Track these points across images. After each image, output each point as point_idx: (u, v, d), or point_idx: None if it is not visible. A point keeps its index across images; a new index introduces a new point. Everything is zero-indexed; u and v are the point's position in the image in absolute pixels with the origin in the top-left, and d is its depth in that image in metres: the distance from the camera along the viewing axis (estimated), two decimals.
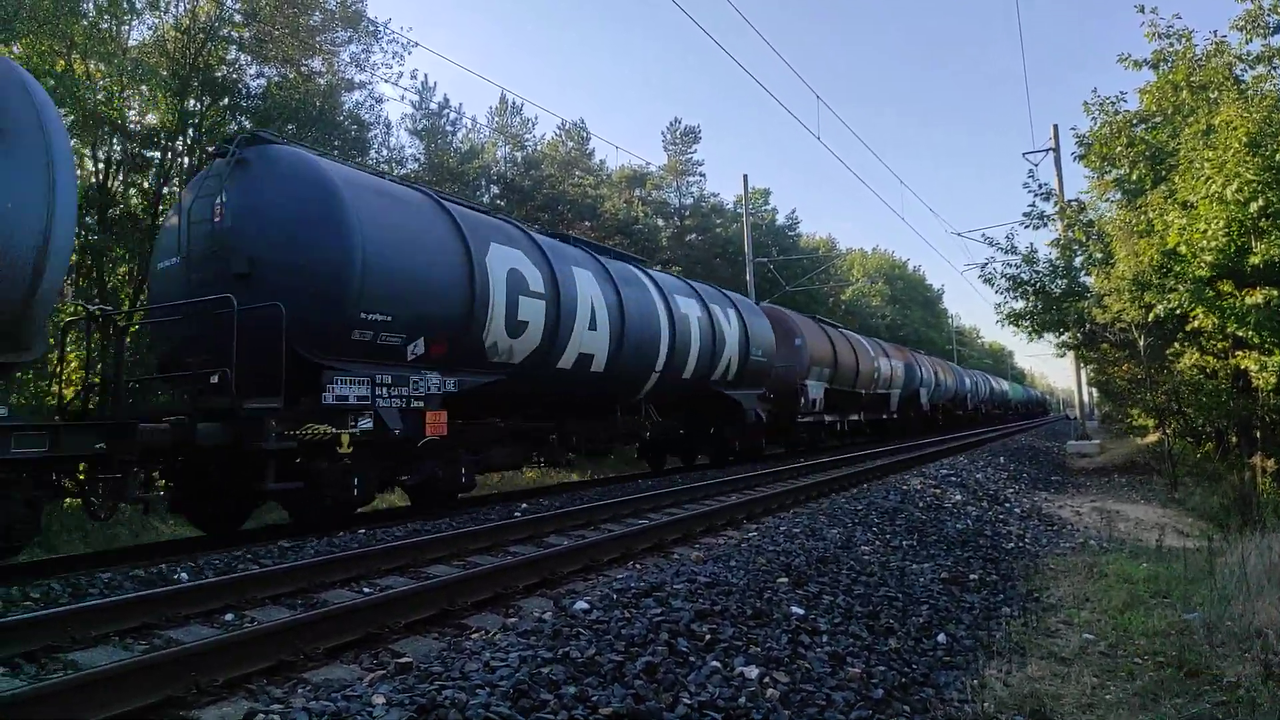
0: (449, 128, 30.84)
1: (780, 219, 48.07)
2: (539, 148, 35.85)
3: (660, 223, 38.88)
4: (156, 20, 21.77)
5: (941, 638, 5.47)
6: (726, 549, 6.83)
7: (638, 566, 6.65)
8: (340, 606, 4.80)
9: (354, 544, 7.51)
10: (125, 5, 20.98)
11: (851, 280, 57.99)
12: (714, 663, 4.10)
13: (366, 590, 5.96)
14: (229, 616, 5.21)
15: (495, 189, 31.88)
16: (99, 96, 19.28)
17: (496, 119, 35.27)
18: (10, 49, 18.23)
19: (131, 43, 21.44)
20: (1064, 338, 21.15)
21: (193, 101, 20.96)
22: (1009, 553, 8.74)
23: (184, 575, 6.23)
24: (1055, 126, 25.28)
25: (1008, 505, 12.10)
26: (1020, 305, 19.99)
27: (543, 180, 32.22)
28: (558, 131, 38.28)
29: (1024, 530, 10.21)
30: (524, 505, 10.21)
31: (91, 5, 20.35)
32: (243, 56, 22.93)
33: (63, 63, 18.67)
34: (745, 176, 31.42)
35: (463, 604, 5.26)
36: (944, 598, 6.41)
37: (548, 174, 32.82)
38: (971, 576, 7.28)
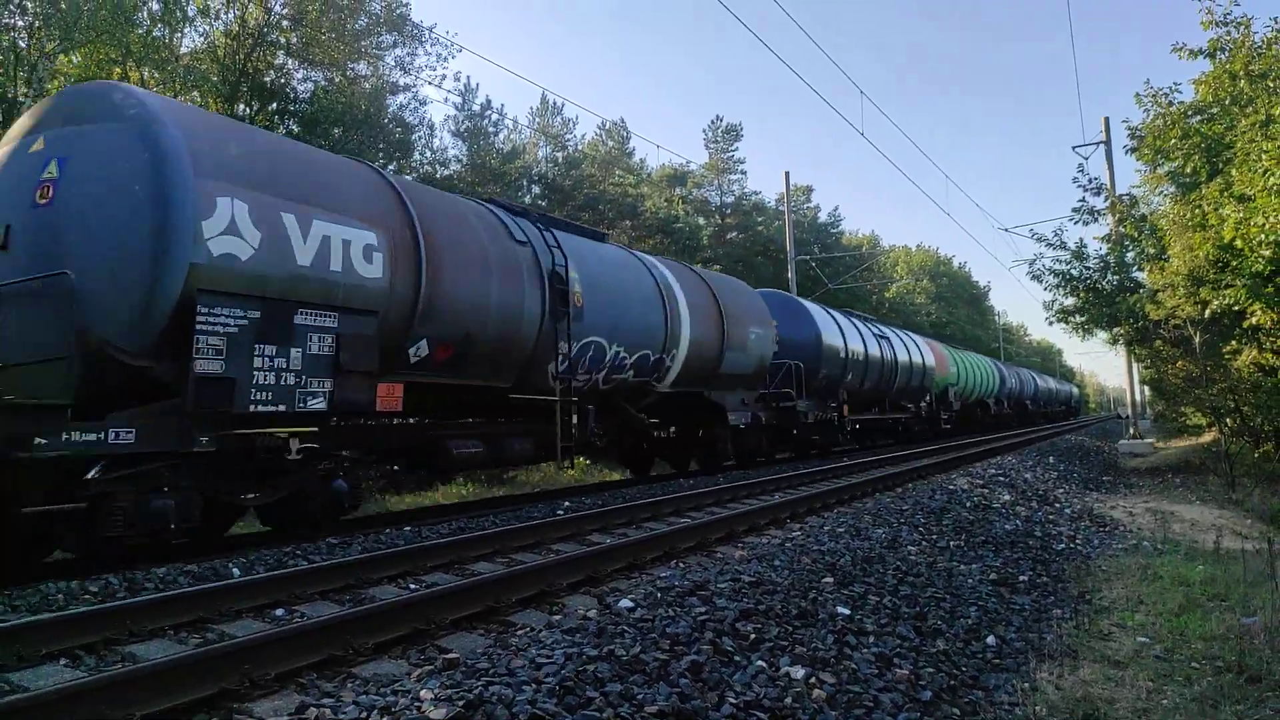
0: (491, 129, 31.11)
1: (823, 216, 47.73)
2: (579, 147, 36.00)
3: (701, 221, 38.79)
4: (207, 27, 22.30)
5: (991, 640, 5.38)
6: (770, 548, 6.79)
7: (681, 565, 6.64)
8: (387, 603, 4.86)
9: (400, 541, 7.61)
10: (178, 14, 21.51)
11: (895, 278, 57.31)
12: (759, 662, 4.08)
13: (413, 587, 6.03)
14: (279, 612, 5.30)
15: (536, 189, 32.08)
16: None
17: (538, 119, 35.49)
18: (70, 58, 18.80)
19: (183, 50, 21.98)
20: (1115, 334, 20.69)
21: (242, 106, 21.42)
22: (1060, 554, 8.57)
23: (236, 571, 6.36)
24: (1106, 119, 24.75)
25: (1058, 505, 11.86)
26: (1071, 302, 19.59)
27: (583, 180, 32.34)
28: (598, 131, 38.44)
29: (1075, 531, 10.00)
30: (566, 503, 10.26)
31: (146, 15, 20.90)
32: (290, 61, 23.37)
33: (119, 70, 19.18)
34: (787, 174, 31.21)
35: (507, 601, 5.30)
36: (993, 599, 6.31)
37: (588, 173, 32.94)
38: (1021, 578, 7.14)
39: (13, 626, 4.39)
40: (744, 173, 50.42)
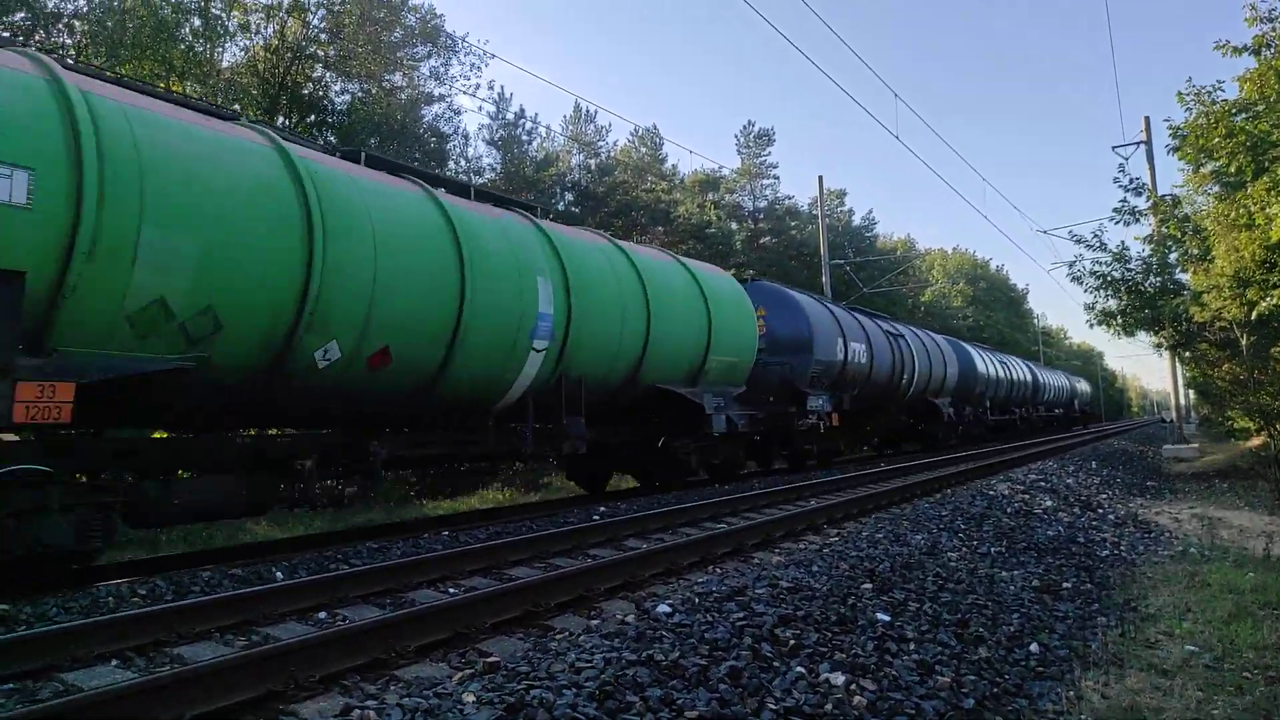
0: (525, 137, 31.34)
1: (857, 220, 47.39)
2: (612, 154, 36.12)
3: (734, 226, 38.70)
4: (248, 42, 22.73)
5: (1034, 647, 5.29)
6: (808, 554, 6.76)
7: (718, 570, 6.63)
8: (429, 606, 4.91)
9: (439, 545, 7.68)
10: (219, 29, 21.97)
11: (931, 281, 56.72)
12: (799, 668, 4.06)
13: (452, 591, 6.09)
14: (322, 615, 5.38)
15: (569, 196, 32.24)
16: None
17: (571, 127, 35.68)
18: (116, 72, 19.24)
19: (224, 64, 22.43)
20: (1159, 337, 20.28)
21: (281, 119, 21.77)
22: (1104, 560, 8.41)
23: (279, 574, 6.47)
24: (1147, 119, 24.32)
25: (1101, 511, 11.65)
26: (1113, 304, 19.24)
27: (616, 186, 32.44)
28: (630, 138, 38.54)
29: (1119, 537, 9.81)
30: (601, 508, 10.28)
31: (188, 30, 21.38)
32: (328, 74, 23.74)
33: (162, 85, 19.60)
34: (820, 178, 31.05)
35: (546, 605, 5.33)
36: (1036, 606, 6.21)
37: (621, 180, 33.03)
38: (1064, 585, 7.03)
39: (67, 628, 4.51)
40: (777, 177, 50.39)
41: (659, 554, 6.75)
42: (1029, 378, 39.40)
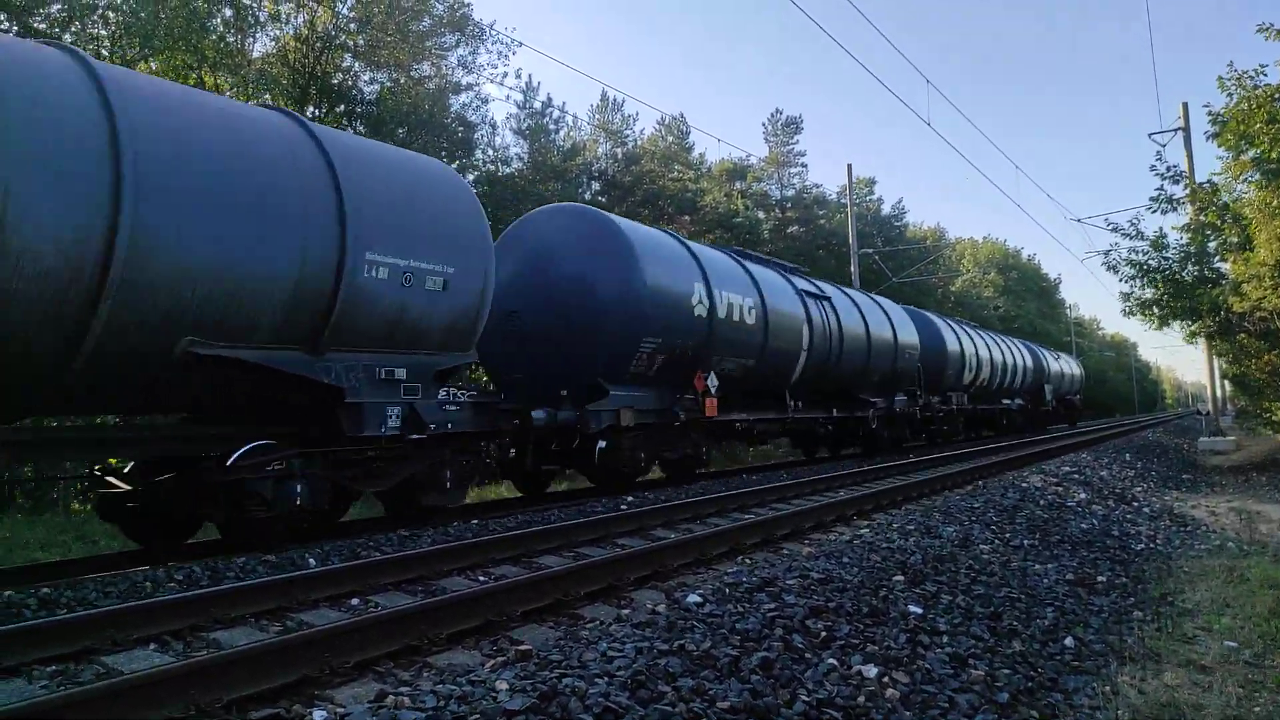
0: (551, 126, 31.32)
1: (886, 209, 46.96)
2: (639, 143, 36.01)
3: (761, 215, 38.47)
4: (278, 32, 22.88)
5: (1069, 641, 5.23)
6: (838, 545, 6.71)
7: (747, 561, 6.61)
8: (461, 594, 4.94)
9: (468, 534, 7.73)
10: (250, 20, 22.12)
11: (962, 271, 56.10)
12: (831, 660, 4.04)
13: (482, 579, 6.12)
14: (355, 601, 5.43)
15: (596, 185, 32.21)
16: None
17: (597, 116, 35.62)
18: (149, 64, 19.49)
19: (255, 54, 22.60)
20: (1195, 326, 19.91)
21: (311, 109, 21.90)
22: (1139, 554, 8.29)
23: (312, 561, 6.54)
24: (1185, 105, 23.82)
25: (1136, 504, 11.48)
26: (1149, 294, 18.90)
27: (643, 176, 32.34)
28: (657, 126, 38.42)
29: (1154, 531, 9.67)
30: (629, 498, 10.29)
31: (219, 21, 21.56)
32: (357, 64, 23.84)
33: (194, 76, 19.78)
34: (849, 166, 30.80)
35: (576, 594, 5.34)
36: (1070, 600, 6.13)
37: (648, 169, 32.92)
38: (1099, 578, 6.93)
39: (106, 612, 4.58)
40: (805, 166, 49.84)
41: (688, 544, 6.74)
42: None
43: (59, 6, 18.69)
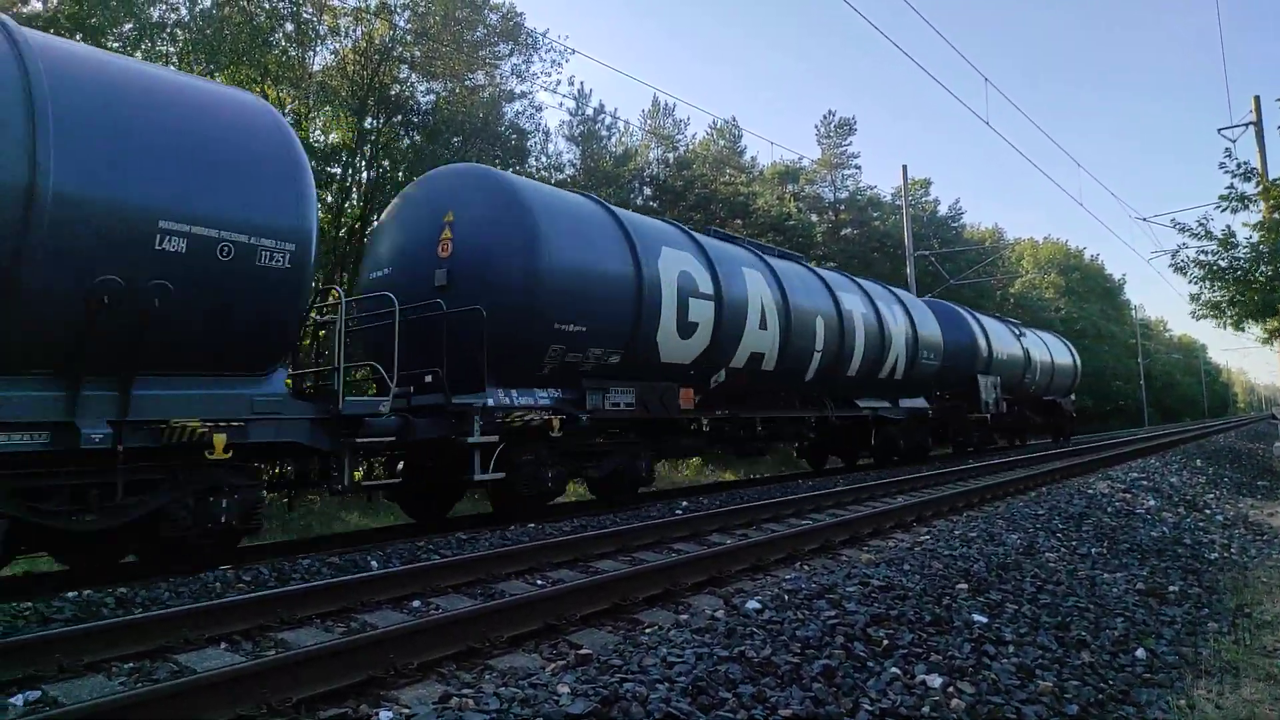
0: (604, 132, 31.48)
1: (942, 210, 46.22)
2: (691, 147, 35.99)
3: (814, 218, 38.15)
4: (338, 45, 23.42)
5: (1140, 653, 5.07)
6: (898, 552, 6.61)
7: (805, 567, 6.55)
8: (521, 598, 4.98)
9: (525, 537, 7.79)
10: (311, 34, 22.69)
11: (1021, 272, 54.88)
12: (893, 669, 3.98)
13: (539, 582, 6.17)
14: (416, 603, 5.52)
15: (648, 190, 32.27)
16: (289, 119, 20.90)
17: (649, 121, 35.71)
18: (214, 79, 20.10)
19: (315, 68, 23.16)
20: (1270, 328, 19.16)
21: (369, 119, 22.36)
22: (1212, 564, 8.01)
23: (374, 563, 6.66)
24: (1257, 98, 22.94)
25: (1208, 512, 11.09)
26: (1219, 295, 18.25)
27: (694, 180, 32.30)
28: (709, 130, 38.32)
29: (1229, 539, 9.33)
30: (684, 503, 10.28)
31: (281, 36, 22.17)
32: (413, 75, 24.27)
33: (257, 90, 20.35)
34: (904, 167, 30.36)
35: (634, 599, 5.35)
36: (1141, 610, 5.95)
37: (699, 173, 32.88)
38: (1171, 588, 6.71)
39: (179, 612, 4.73)
40: (858, 167, 49.38)
41: (745, 549, 6.71)
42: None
43: (130, 26, 19.41)
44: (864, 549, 7.34)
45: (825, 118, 42.69)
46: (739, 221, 32.21)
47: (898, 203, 36.15)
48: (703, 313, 11.46)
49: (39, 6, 19.43)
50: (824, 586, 5.13)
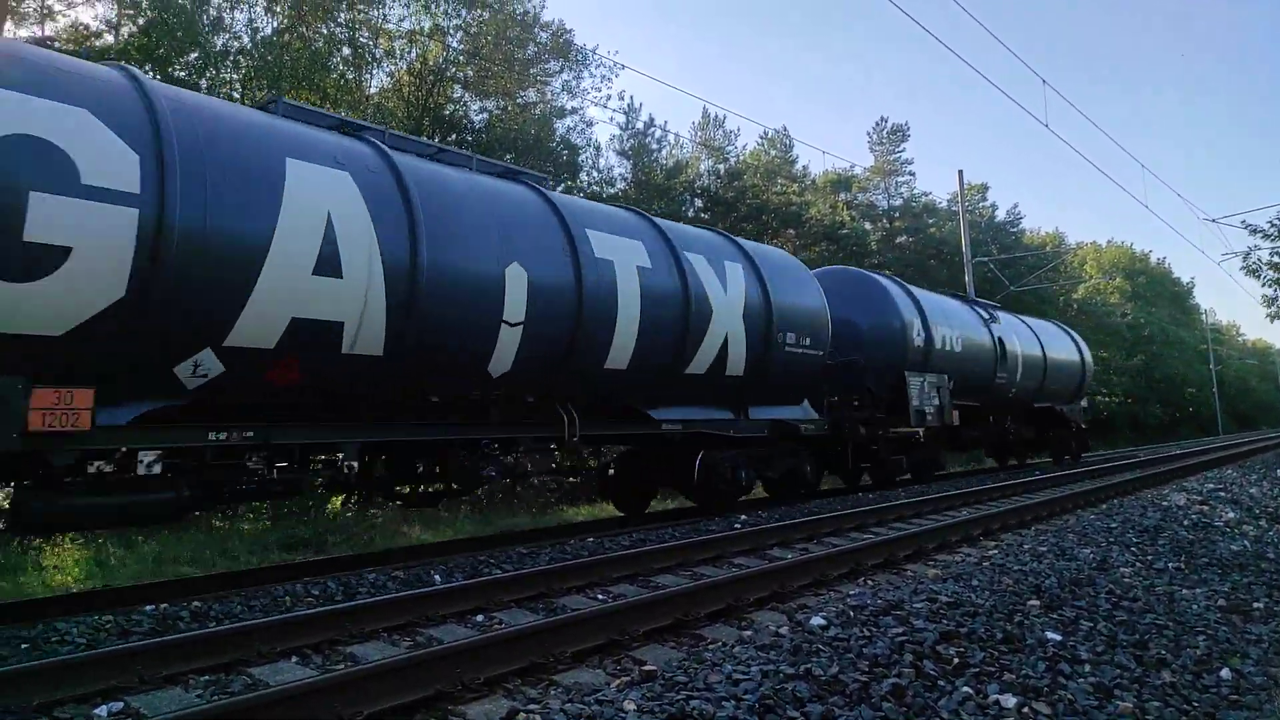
0: (654, 145, 31.60)
1: (1000, 215, 45.29)
2: (741, 158, 35.93)
3: (868, 226, 37.74)
4: (393, 67, 23.96)
5: (1225, 673, 4.87)
6: (966, 567, 6.47)
7: (870, 583, 6.45)
8: (584, 613, 4.99)
9: (584, 552, 7.81)
10: (367, 56, 23.26)
11: (1084, 277, 53.49)
12: (965, 688, 3.88)
13: (600, 597, 6.17)
14: (480, 618, 5.56)
15: (699, 202, 32.27)
16: None
17: (699, 133, 35.74)
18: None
19: (372, 90, 23.71)
20: None
21: (424, 138, 22.79)
22: None
23: (437, 578, 6.73)
24: None
25: None
26: None
27: (746, 191, 32.23)
28: (760, 141, 38.22)
29: None
30: (743, 517, 10.19)
31: (338, 59, 22.77)
32: (466, 94, 24.71)
33: None
34: (960, 172, 29.93)
35: (696, 614, 5.31)
36: (1223, 627, 5.72)
37: (751, 184, 32.79)
38: (1255, 604, 6.44)
39: (251, 625, 4.83)
40: (912, 174, 48.79)
41: (807, 564, 6.62)
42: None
43: (196, 55, 20.11)
44: (929, 564, 7.19)
45: (878, 124, 42.32)
46: (791, 231, 32.02)
47: (954, 209, 35.56)
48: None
49: (110, 39, 20.29)
50: (890, 603, 5.04)
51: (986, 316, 19.00)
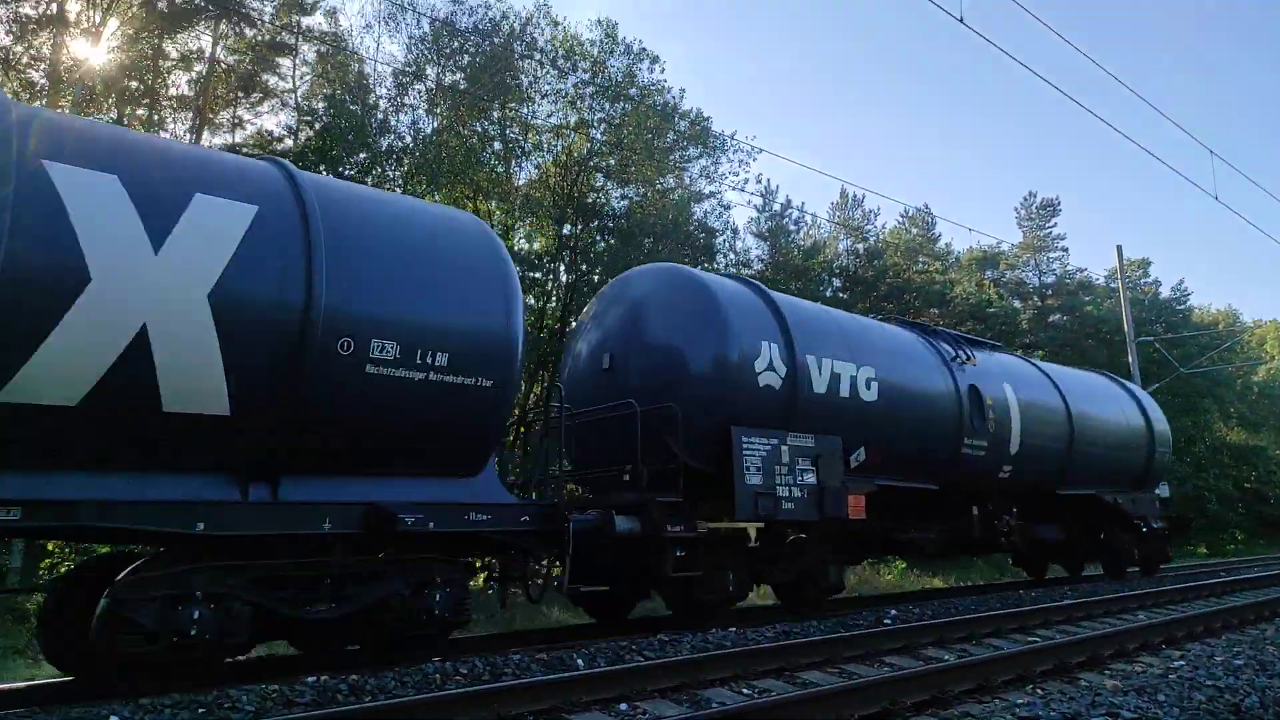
0: (791, 226, 31.72)
1: (1164, 291, 42.56)
2: (881, 237, 35.52)
3: (1018, 304, 36.27)
4: (540, 160, 25.26)
5: None
6: (1149, 679, 5.89)
7: (1039, 691, 5.95)
8: (733, 709, 4.83)
9: (726, 642, 7.60)
10: (516, 150, 24.68)
11: (1263, 357, 49.25)
12: None
13: (745, 691, 5.96)
14: (623, 706, 5.46)
15: (836, 282, 31.98)
16: (496, 230, 22.65)
17: (837, 213, 35.68)
18: (433, 196, 22.19)
19: (520, 181, 25.04)
20: None
21: (568, 226, 23.75)
22: None
23: (580, 661, 6.70)
24: None
25: None
26: None
27: (886, 270, 31.73)
28: (900, 219, 37.74)
29: None
30: (893, 611, 9.71)
31: (490, 154, 24.24)
32: (608, 182, 25.68)
33: (470, 206, 22.20)
34: (1119, 248, 28.38)
35: (848, 716, 5.04)
36: None
37: (891, 263, 32.29)
38: None
39: (408, 703, 4.93)
40: (1065, 249, 46.75)
41: (968, 667, 6.19)
42: None
43: (364, 155, 21.88)
44: (1106, 673, 6.58)
45: (1025, 200, 41.06)
46: (935, 311, 31.16)
47: (1112, 285, 33.76)
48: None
49: (289, 143, 22.39)
50: (1066, 715, 4.63)
51: (949, 352, 12.28)
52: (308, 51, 23.64)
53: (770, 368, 9.60)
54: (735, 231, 35.75)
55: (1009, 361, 14.17)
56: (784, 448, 9.50)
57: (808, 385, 9.91)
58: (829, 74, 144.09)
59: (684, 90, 29.38)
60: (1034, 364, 14.83)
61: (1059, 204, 40.43)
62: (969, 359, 12.37)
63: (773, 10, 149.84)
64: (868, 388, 10.56)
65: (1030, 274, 39.05)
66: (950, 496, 12.03)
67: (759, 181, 43.86)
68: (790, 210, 31.58)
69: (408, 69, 23.59)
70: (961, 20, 12.53)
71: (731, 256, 29.00)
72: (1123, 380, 17.18)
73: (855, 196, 35.94)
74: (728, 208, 39.86)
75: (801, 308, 11.15)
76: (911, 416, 11.20)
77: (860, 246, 33.83)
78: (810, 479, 9.61)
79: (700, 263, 25.89)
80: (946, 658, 6.97)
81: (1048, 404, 13.57)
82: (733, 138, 27.42)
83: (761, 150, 27.90)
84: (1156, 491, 16.17)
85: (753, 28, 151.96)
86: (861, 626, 8.38)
